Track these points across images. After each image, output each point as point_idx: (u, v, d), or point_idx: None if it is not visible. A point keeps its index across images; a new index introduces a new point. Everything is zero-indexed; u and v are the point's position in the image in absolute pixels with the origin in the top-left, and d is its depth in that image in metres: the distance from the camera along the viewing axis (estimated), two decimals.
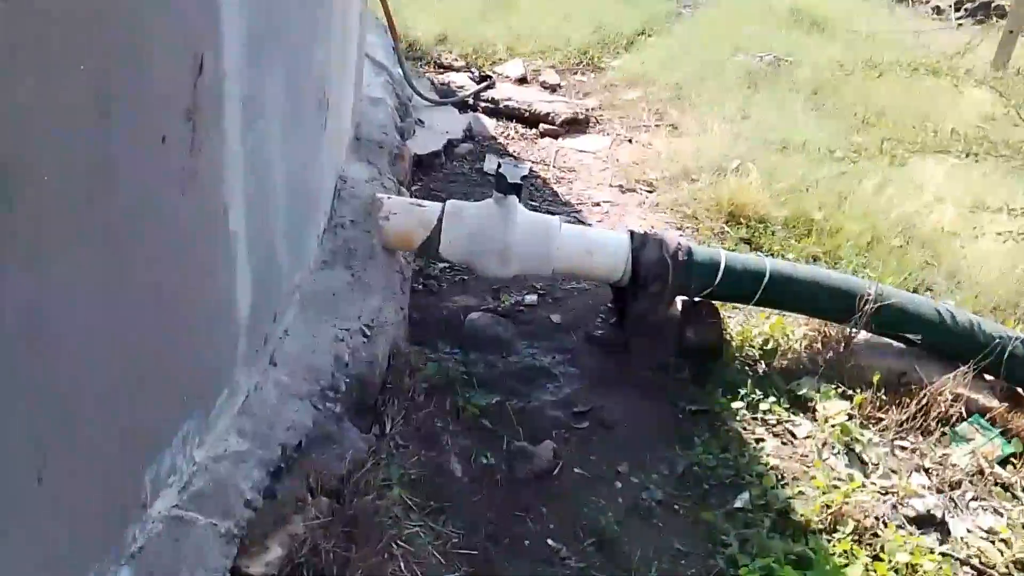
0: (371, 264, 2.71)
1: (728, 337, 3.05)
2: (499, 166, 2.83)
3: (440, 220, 2.78)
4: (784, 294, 2.93)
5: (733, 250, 3.71)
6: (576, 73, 6.12)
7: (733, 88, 5.84)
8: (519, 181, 2.69)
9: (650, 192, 4.32)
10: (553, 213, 3.94)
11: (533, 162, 4.57)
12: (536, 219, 2.86)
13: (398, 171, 3.71)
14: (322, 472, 2.03)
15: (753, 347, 3.09)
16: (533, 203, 4.06)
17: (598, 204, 4.14)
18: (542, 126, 4.98)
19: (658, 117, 5.26)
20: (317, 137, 2.38)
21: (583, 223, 3.94)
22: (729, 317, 3.18)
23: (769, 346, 3.05)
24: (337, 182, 2.79)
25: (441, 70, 5.66)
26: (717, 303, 2.99)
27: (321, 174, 2.50)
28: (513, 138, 4.87)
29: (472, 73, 5.58)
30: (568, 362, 2.96)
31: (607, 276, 2.91)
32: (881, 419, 2.80)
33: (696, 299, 2.93)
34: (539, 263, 2.84)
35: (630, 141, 4.93)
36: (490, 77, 5.37)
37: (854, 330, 2.96)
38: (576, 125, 5.06)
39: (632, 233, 2.91)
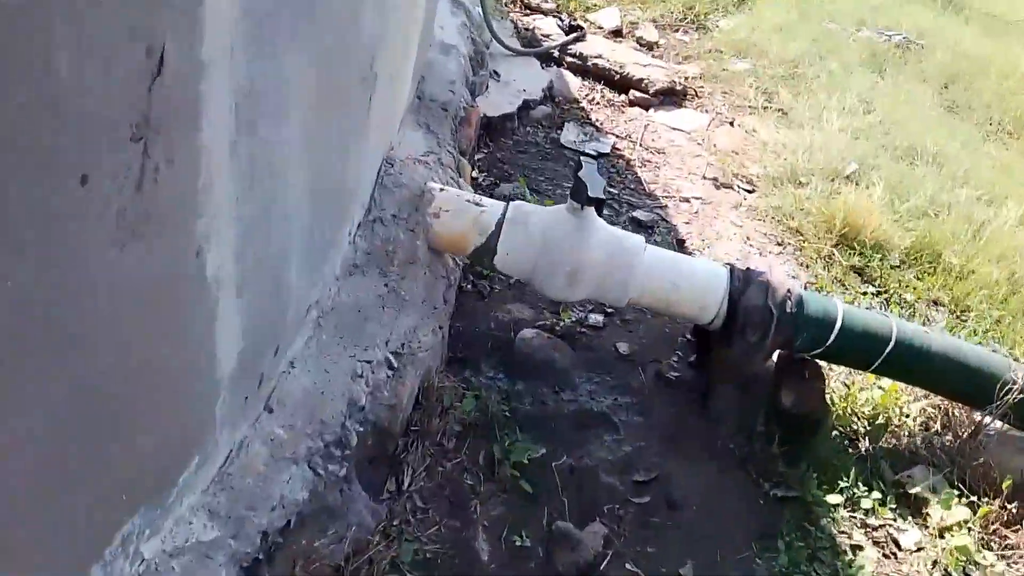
0: (411, 271, 2.23)
1: (829, 401, 2.52)
2: (578, 165, 2.31)
3: (500, 225, 2.28)
4: (908, 367, 2.38)
5: (841, 281, 3.14)
6: (678, 31, 5.43)
7: (856, 71, 5.11)
8: (601, 195, 2.16)
9: (749, 191, 3.72)
10: (633, 206, 3.41)
11: (617, 136, 3.99)
12: (616, 237, 2.34)
13: (462, 139, 3.19)
14: (315, 562, 1.61)
15: (858, 417, 2.55)
16: (612, 190, 3.51)
17: (687, 200, 3.56)
18: (633, 93, 4.37)
19: (767, 97, 4.58)
20: (358, 120, 1.88)
21: (666, 222, 3.40)
22: (830, 371, 2.64)
23: (878, 420, 2.52)
24: (383, 165, 2.30)
25: (528, 12, 5.04)
26: (822, 362, 2.46)
27: (360, 163, 2.01)
28: (598, 103, 4.28)
29: (561, 20, 4.95)
30: (633, 408, 2.47)
31: (695, 316, 2.39)
32: (1007, 539, 2.27)
33: (798, 355, 2.41)
34: (614, 291, 2.33)
35: (731, 124, 4.30)
36: (581, 28, 4.74)
37: (987, 419, 2.41)
38: (672, 96, 4.43)
39: (732, 269, 2.38)
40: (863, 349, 2.34)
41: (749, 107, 4.48)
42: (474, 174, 3.35)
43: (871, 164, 3.89)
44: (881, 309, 3.12)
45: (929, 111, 4.79)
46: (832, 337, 2.31)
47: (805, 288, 2.79)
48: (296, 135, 1.46)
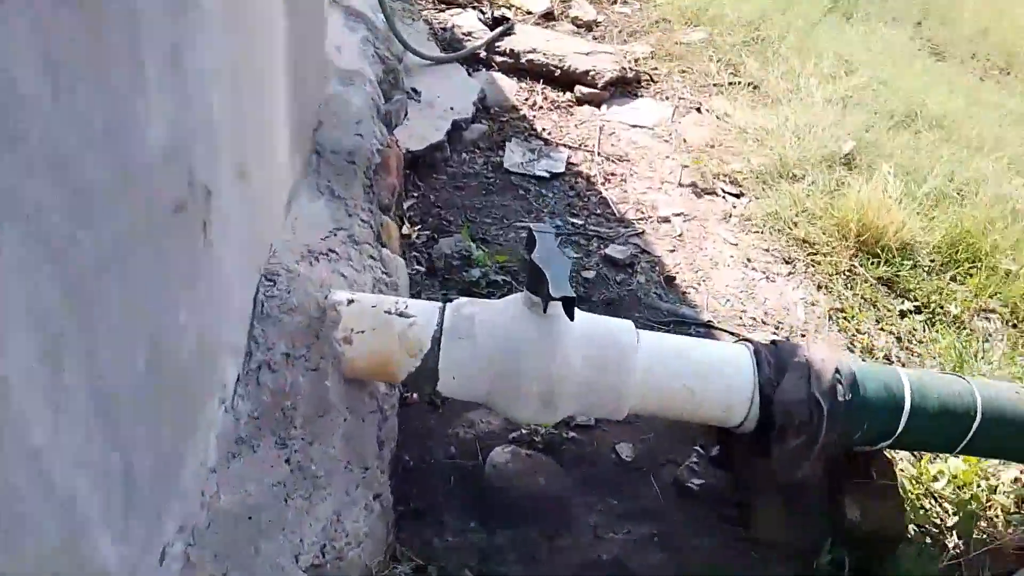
0: (321, 427, 1.59)
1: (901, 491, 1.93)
2: (529, 240, 1.67)
3: (437, 341, 1.64)
4: (1001, 443, 1.81)
5: (871, 300, 2.56)
6: (616, 2, 4.77)
7: (821, 21, 4.50)
8: (569, 290, 1.52)
9: (736, 196, 3.11)
10: (603, 238, 2.78)
11: (570, 147, 3.34)
12: (597, 334, 1.71)
13: (381, 192, 2.53)
14: None
15: (936, 498, 1.98)
16: (575, 220, 2.88)
17: (666, 220, 2.94)
18: (579, 89, 3.72)
19: (732, 71, 3.96)
20: (184, 265, 1.21)
21: (647, 253, 2.77)
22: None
23: (966, 505, 1.94)
24: (260, 287, 1.63)
25: (443, 6, 4.34)
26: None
27: (205, 313, 1.34)
28: (542, 108, 3.62)
29: (484, 11, 4.26)
30: (652, 543, 1.86)
31: (719, 420, 1.77)
32: None
33: (857, 448, 1.81)
34: (606, 404, 1.71)
35: (698, 110, 3.67)
36: (507, 19, 4.06)
37: None
38: (624, 86, 3.79)
39: (757, 352, 1.76)
40: (942, 432, 1.76)
41: (714, 85, 3.86)
42: (405, 230, 2.69)
43: (869, 140, 3.31)
44: (926, 330, 2.55)
45: (913, 59, 4.21)
46: (902, 425, 1.72)
47: (857, 354, 2.21)
48: (24, 357, 0.80)
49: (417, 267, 2.55)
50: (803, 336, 2.49)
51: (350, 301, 1.69)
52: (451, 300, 1.72)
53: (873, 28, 4.54)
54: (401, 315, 1.68)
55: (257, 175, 1.60)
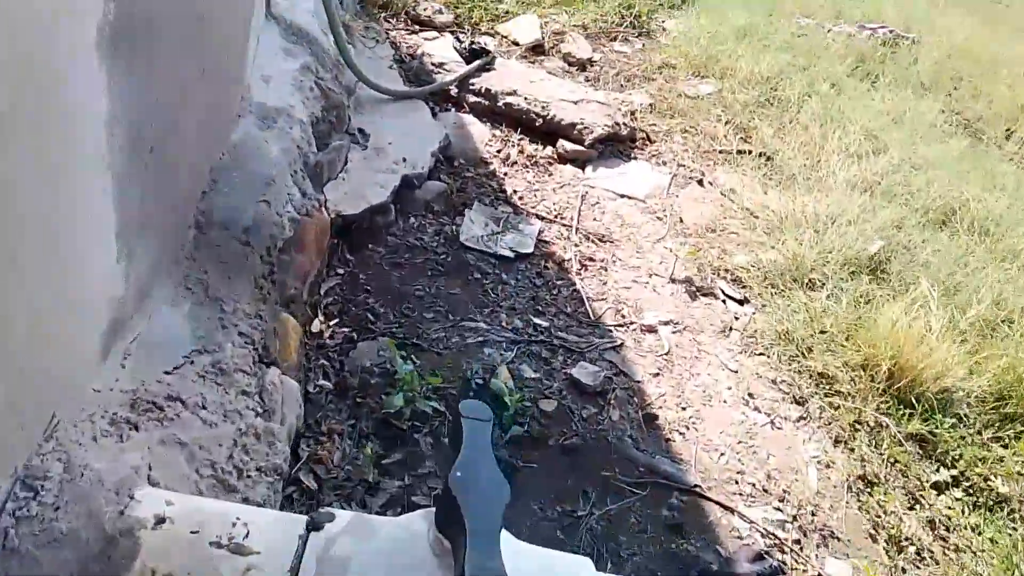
0: None
1: None
2: (454, 432, 1.09)
3: None
4: None
5: (900, 465, 2.02)
6: (615, 39, 4.21)
7: (845, 84, 3.98)
8: (495, 571, 0.94)
9: (740, 303, 2.54)
10: (571, 351, 2.23)
11: (544, 218, 2.76)
12: None
13: (286, 279, 1.95)
14: None
15: None
16: (539, 321, 2.30)
17: (652, 329, 2.37)
18: (563, 144, 3.14)
19: (743, 136, 3.41)
20: None
21: (624, 376, 2.20)
22: None
23: None
24: (10, 497, 1.03)
25: (415, 28, 3.75)
26: None
27: None
28: (516, 164, 3.04)
29: (461, 38, 3.69)
30: None
31: None
32: None
33: None
34: None
35: (700, 182, 3.11)
36: (487, 52, 3.47)
37: None
38: (617, 144, 3.22)
39: None
40: None
41: (721, 152, 3.30)
42: (317, 325, 2.10)
43: (900, 240, 2.77)
44: (966, 512, 2.00)
45: (947, 139, 3.68)
46: None
47: (881, 545, 1.65)
48: None
49: (324, 381, 1.95)
50: (814, 514, 1.93)
51: (160, 520, 1.09)
52: (319, 526, 1.13)
53: (901, 96, 4.01)
54: (236, 550, 1.09)
55: (22, 327, 1.01)
